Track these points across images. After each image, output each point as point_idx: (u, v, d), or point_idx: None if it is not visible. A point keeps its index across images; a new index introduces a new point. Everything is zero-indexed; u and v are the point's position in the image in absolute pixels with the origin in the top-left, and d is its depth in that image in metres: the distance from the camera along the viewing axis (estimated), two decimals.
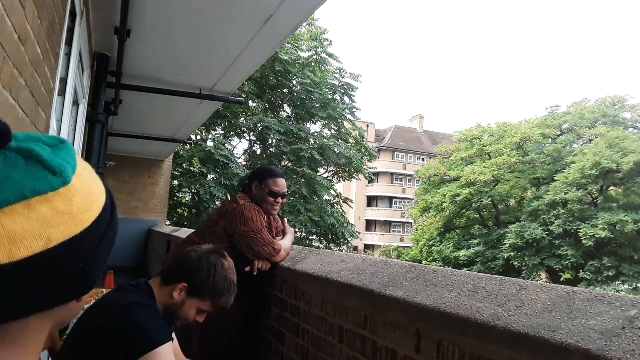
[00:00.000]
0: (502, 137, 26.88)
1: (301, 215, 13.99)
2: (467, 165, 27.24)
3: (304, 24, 11.91)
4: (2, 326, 0.45)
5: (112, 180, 9.42)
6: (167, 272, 1.58)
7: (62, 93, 2.76)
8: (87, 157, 4.06)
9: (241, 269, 2.11)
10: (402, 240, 40.56)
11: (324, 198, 15.77)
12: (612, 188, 23.27)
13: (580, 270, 21.43)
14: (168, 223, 12.38)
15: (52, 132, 2.38)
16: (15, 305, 0.44)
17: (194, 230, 3.10)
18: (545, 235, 22.10)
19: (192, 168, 13.70)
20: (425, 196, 28.87)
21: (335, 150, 15.74)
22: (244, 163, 16.14)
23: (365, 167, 17.65)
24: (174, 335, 1.58)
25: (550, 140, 26.56)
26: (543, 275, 23.28)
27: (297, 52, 15.37)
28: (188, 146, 12.56)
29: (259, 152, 16.70)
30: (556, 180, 23.33)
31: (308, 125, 16.62)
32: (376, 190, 43.43)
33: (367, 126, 37.96)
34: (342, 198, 17.81)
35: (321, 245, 15.68)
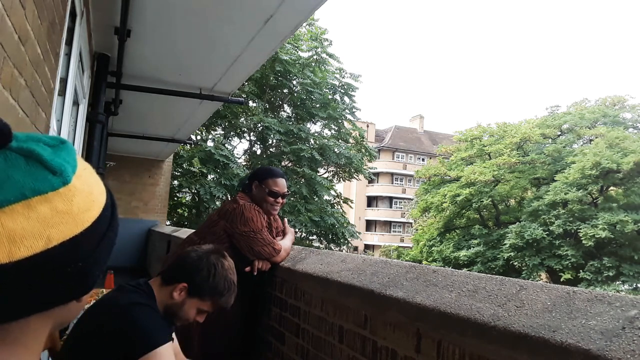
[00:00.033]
0: (502, 137, 26.88)
1: (301, 215, 13.99)
2: (467, 165, 27.24)
3: (304, 24, 11.91)
4: (2, 326, 0.45)
5: (112, 180, 9.42)
6: (167, 272, 1.58)
7: (62, 93, 2.76)
8: (87, 157, 4.06)
9: (241, 269, 2.11)
10: (402, 240, 40.57)
11: (324, 198, 15.77)
12: (612, 188, 23.28)
13: (580, 270, 21.43)
14: (168, 223, 12.38)
15: (52, 132, 2.38)
16: (15, 305, 0.44)
17: (194, 230, 3.10)
18: (545, 235, 22.10)
19: (192, 168, 13.70)
20: (425, 196, 28.87)
21: (335, 150, 15.74)
22: (244, 163, 16.14)
23: (365, 167, 17.65)
24: (174, 335, 1.58)
25: (550, 140, 26.56)
26: (543, 275, 23.28)
27: (297, 52, 15.37)
28: (188, 146, 12.56)
29: (259, 152, 16.71)
30: (556, 180, 23.33)
31: (308, 125, 16.62)
32: (376, 190, 43.43)
33: (367, 126, 37.96)
34: (342, 198, 17.81)
35: (321, 245, 15.68)
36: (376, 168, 28.09)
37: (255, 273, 2.36)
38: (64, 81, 2.72)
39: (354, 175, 17.60)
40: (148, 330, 1.33)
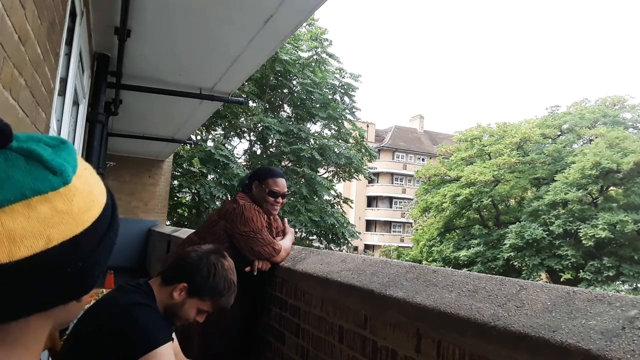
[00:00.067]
0: (502, 137, 26.88)
1: (301, 215, 13.99)
2: (467, 165, 27.24)
3: (304, 24, 11.91)
4: (2, 326, 0.45)
5: (112, 180, 9.42)
6: (167, 272, 1.58)
7: (62, 93, 2.76)
8: (87, 157, 4.06)
9: (241, 269, 2.11)
10: (402, 240, 40.56)
11: (324, 198, 15.77)
12: (612, 188, 23.27)
13: (580, 270, 21.43)
14: (168, 223, 12.38)
15: (52, 132, 2.38)
16: (15, 305, 0.44)
17: (194, 230, 3.10)
18: (545, 235, 22.10)
19: (192, 168, 13.70)
20: (425, 196, 28.87)
21: (335, 150, 15.75)
22: (244, 163, 16.14)
23: (365, 167, 17.65)
24: (174, 335, 1.58)
25: (550, 140, 26.56)
26: (543, 275, 23.28)
27: (297, 52, 15.37)
28: (188, 146, 12.56)
29: (259, 152, 16.71)
30: (556, 180, 23.33)
31: (308, 125, 16.62)
32: (376, 190, 43.43)
33: (367, 126, 37.97)
34: (342, 198, 17.81)
35: (321, 245, 15.68)
36: (376, 168, 28.09)
37: (255, 273, 2.36)
38: (64, 81, 2.72)
39: (354, 175, 17.60)
40: (148, 330, 1.33)
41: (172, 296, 1.51)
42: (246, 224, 2.32)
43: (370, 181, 35.45)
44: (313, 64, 15.75)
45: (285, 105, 16.92)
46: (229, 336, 2.41)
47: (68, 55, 2.70)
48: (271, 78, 15.00)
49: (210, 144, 14.11)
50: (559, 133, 26.89)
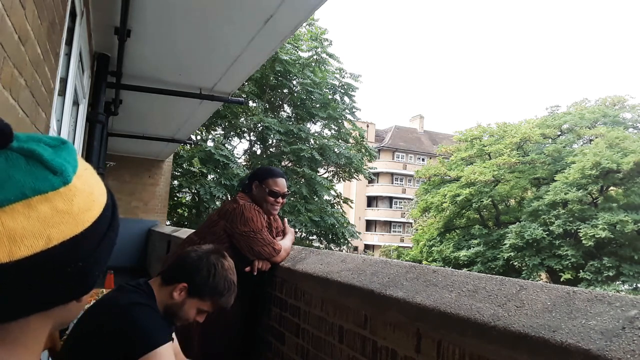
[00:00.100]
0: (502, 137, 26.88)
1: (301, 215, 13.99)
2: (467, 165, 27.24)
3: (304, 24, 11.91)
4: (2, 326, 0.45)
5: (112, 180, 9.42)
6: (167, 272, 1.58)
7: (62, 93, 2.76)
8: (87, 157, 4.06)
9: (241, 269, 2.11)
10: (402, 240, 40.56)
11: (324, 198, 15.77)
12: (612, 188, 23.27)
13: (580, 270, 21.43)
14: (168, 223, 12.38)
15: (52, 132, 2.38)
16: (15, 305, 0.44)
17: (194, 230, 3.10)
18: (545, 235, 22.10)
19: (192, 168, 13.70)
20: (425, 196, 28.87)
21: (335, 150, 15.75)
22: (244, 163, 16.14)
23: (365, 167, 17.65)
24: (174, 335, 1.58)
25: (550, 140, 26.56)
26: (543, 275, 23.28)
27: (297, 52, 15.37)
28: (188, 146, 12.56)
29: (259, 152, 16.71)
30: (556, 180, 23.33)
31: (308, 125, 16.63)
32: (376, 190, 43.43)
33: (367, 126, 37.97)
34: (342, 198, 17.81)
35: (321, 245, 15.68)
36: (376, 168, 28.09)
37: (255, 273, 2.36)
38: (64, 81, 2.72)
39: (354, 175, 17.60)
40: (148, 330, 1.33)
41: (172, 296, 1.51)
42: (246, 224, 2.32)
43: (370, 181, 35.45)
44: (313, 64, 15.75)
45: (285, 105, 16.92)
46: (229, 336, 2.41)
47: (68, 55, 2.70)
48: (271, 78, 15.00)
49: (210, 144, 14.11)
50: (559, 133, 26.89)
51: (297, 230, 13.89)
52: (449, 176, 27.77)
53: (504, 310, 1.10)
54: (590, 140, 25.02)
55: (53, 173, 0.45)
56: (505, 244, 23.35)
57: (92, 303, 1.50)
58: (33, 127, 1.63)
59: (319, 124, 17.19)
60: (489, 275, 1.34)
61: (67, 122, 3.03)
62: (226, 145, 14.90)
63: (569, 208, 22.11)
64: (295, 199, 14.44)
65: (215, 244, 1.82)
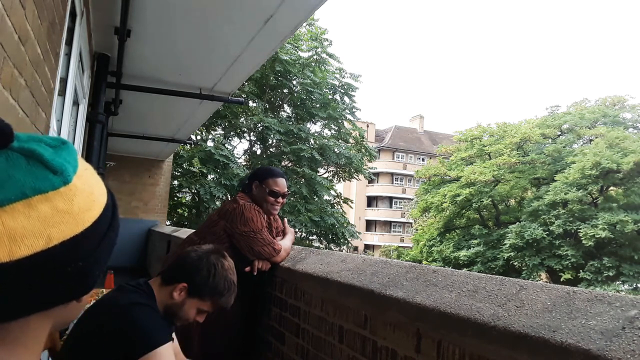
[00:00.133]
0: (502, 137, 26.87)
1: (301, 215, 13.99)
2: (467, 165, 27.24)
3: (304, 24, 11.91)
4: (2, 325, 0.45)
5: (112, 180, 9.42)
6: (167, 272, 1.58)
7: (62, 93, 2.76)
8: (87, 157, 4.06)
9: (241, 269, 2.11)
10: (402, 240, 40.56)
11: (324, 198, 15.77)
12: (612, 188, 23.27)
13: (580, 270, 21.43)
14: (168, 223, 12.38)
15: (52, 132, 2.38)
16: (15, 305, 0.44)
17: (194, 230, 3.10)
18: (545, 235, 22.10)
19: (192, 168, 13.70)
20: (425, 196, 28.87)
21: (335, 150, 15.75)
22: (244, 163, 16.14)
23: (365, 167, 17.65)
24: (174, 335, 1.58)
25: (550, 140, 26.56)
26: (543, 275, 23.28)
27: (297, 52, 15.37)
28: (188, 146, 12.56)
29: (259, 152, 16.71)
30: (556, 180, 23.33)
31: (308, 125, 16.62)
32: (376, 190, 43.43)
33: (367, 126, 37.96)
34: (342, 198, 17.81)
35: (321, 245, 15.68)
36: (376, 168, 28.09)
37: (255, 273, 2.36)
38: (64, 81, 2.72)
39: (354, 175, 17.60)
40: (148, 330, 1.33)
41: (172, 296, 1.51)
42: (246, 224, 2.32)
43: (370, 181, 35.45)
44: (313, 64, 15.75)
45: (285, 105, 16.92)
46: (229, 336, 2.41)
47: (68, 55, 2.70)
48: (271, 78, 15.00)
49: (210, 144, 14.11)
50: (559, 133, 26.89)
51: (297, 230, 13.89)
52: (449, 176, 27.77)
53: (504, 310, 1.10)
54: (590, 140, 25.02)
55: (53, 173, 0.45)
56: (505, 244, 23.35)
57: (92, 303, 1.50)
58: (33, 127, 1.63)
59: (319, 124, 17.19)
60: (489, 275, 1.34)
61: (67, 122, 3.03)
62: (226, 145, 14.91)
63: (569, 208, 22.11)
64: (295, 199, 14.44)
65: (215, 244, 1.82)
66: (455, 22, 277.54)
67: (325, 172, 17.43)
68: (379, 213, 43.25)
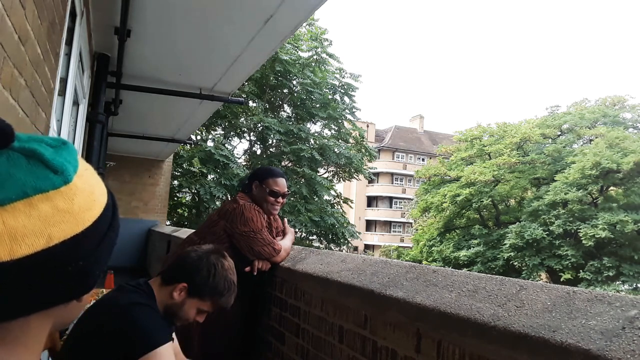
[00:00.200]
0: (502, 137, 26.88)
1: (301, 215, 13.99)
2: (467, 165, 27.24)
3: (304, 24, 11.91)
4: (2, 325, 0.45)
5: (112, 180, 9.42)
6: (167, 272, 1.58)
7: (62, 93, 2.76)
8: (87, 157, 4.06)
9: (241, 269, 2.11)
10: (402, 240, 40.56)
11: (324, 198, 15.77)
12: (612, 188, 23.28)
13: (580, 270, 21.43)
14: (168, 223, 12.38)
15: (52, 132, 2.38)
16: (16, 304, 0.44)
17: (194, 230, 3.10)
18: (545, 235, 22.10)
19: (192, 168, 13.70)
20: (425, 196, 28.87)
21: (335, 150, 15.75)
22: (244, 163, 16.14)
23: (365, 167, 17.65)
24: (174, 335, 1.58)
25: (550, 140, 26.56)
26: (543, 275, 23.28)
27: (297, 52, 15.37)
28: (188, 146, 12.56)
29: (259, 152, 16.71)
30: (556, 180, 23.33)
31: (308, 125, 16.63)
32: (376, 190, 43.43)
33: (367, 126, 37.97)
34: (342, 198, 17.81)
35: (321, 245, 15.68)
36: (376, 168, 28.09)
37: (255, 273, 2.36)
38: (64, 81, 2.72)
39: (354, 175, 17.60)
40: (148, 330, 1.33)
41: (172, 296, 1.51)
42: (246, 224, 2.32)
43: (370, 181, 35.45)
44: (313, 64, 15.75)
45: (285, 105, 16.92)
46: (229, 336, 2.41)
47: (68, 55, 2.70)
48: (271, 78, 15.00)
49: (210, 144, 14.11)
50: (559, 133, 26.89)
51: (297, 230, 13.89)
52: (449, 176, 27.77)
53: (504, 310, 1.10)
54: (590, 140, 25.02)
55: (54, 172, 0.45)
56: (505, 244, 23.35)
57: (92, 303, 1.50)
58: (33, 127, 1.63)
59: (319, 124, 17.20)
60: (489, 275, 1.34)
61: (67, 122, 3.03)
62: (226, 145, 14.91)
63: (569, 208, 22.11)
64: (295, 199, 14.44)
65: (215, 244, 1.82)
66: (455, 22, 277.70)
67: (325, 172, 17.43)
68: (379, 213, 43.25)
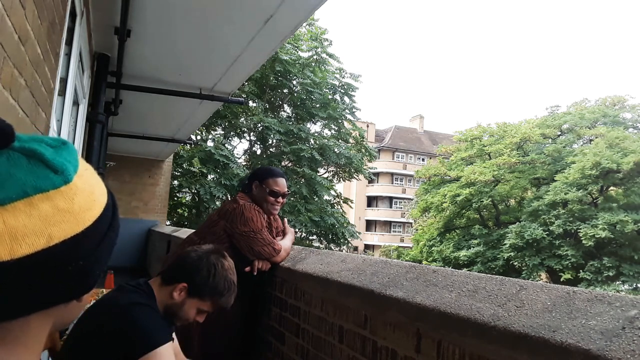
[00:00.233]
0: (502, 137, 26.88)
1: (301, 215, 13.99)
2: (467, 165, 27.24)
3: (304, 24, 11.92)
4: (2, 325, 0.45)
5: (112, 180, 9.42)
6: (167, 272, 1.58)
7: (62, 93, 2.76)
8: (87, 157, 4.06)
9: (241, 269, 2.11)
10: (402, 240, 40.56)
11: (324, 198, 15.77)
12: (612, 188, 23.28)
13: (580, 270, 21.43)
14: (168, 223, 12.38)
15: (52, 132, 2.38)
16: (16, 304, 0.44)
17: (194, 230, 3.10)
18: (545, 235, 22.10)
19: (192, 168, 13.70)
20: (425, 196, 28.87)
21: (335, 150, 15.75)
22: (244, 163, 16.14)
23: (365, 167, 17.66)
24: (174, 335, 1.58)
25: (550, 140, 26.56)
26: (543, 275, 23.28)
27: (297, 52, 15.37)
28: (188, 146, 12.57)
29: (259, 152, 16.71)
30: (556, 180, 23.33)
31: (308, 125, 16.63)
32: (376, 190, 43.43)
33: (367, 126, 37.97)
34: (342, 198, 17.82)
35: (321, 245, 15.68)
36: (376, 168, 28.09)
37: (255, 273, 2.36)
38: (64, 81, 2.72)
39: (354, 175, 17.60)
40: (148, 330, 1.33)
41: (172, 296, 1.51)
42: (246, 224, 2.32)
43: (370, 181, 35.45)
44: (313, 64, 15.76)
45: (285, 105, 16.93)
46: (229, 336, 2.42)
47: (68, 55, 2.70)
48: (271, 78, 15.00)
49: (210, 144, 14.12)
50: (559, 133, 26.90)
51: (297, 230, 13.89)
52: (449, 176, 27.78)
53: (504, 310, 1.10)
54: (590, 140, 25.02)
55: (54, 172, 0.45)
56: (505, 244, 23.35)
57: (92, 303, 1.50)
58: (33, 127, 1.63)
59: (319, 124, 17.20)
60: (489, 275, 1.34)
61: (67, 122, 3.03)
62: (226, 145, 14.91)
63: (569, 208, 22.11)
64: (295, 199, 14.44)
65: (215, 244, 1.82)
66: (455, 22, 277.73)
67: (325, 172, 17.44)
68: (379, 213, 43.25)
